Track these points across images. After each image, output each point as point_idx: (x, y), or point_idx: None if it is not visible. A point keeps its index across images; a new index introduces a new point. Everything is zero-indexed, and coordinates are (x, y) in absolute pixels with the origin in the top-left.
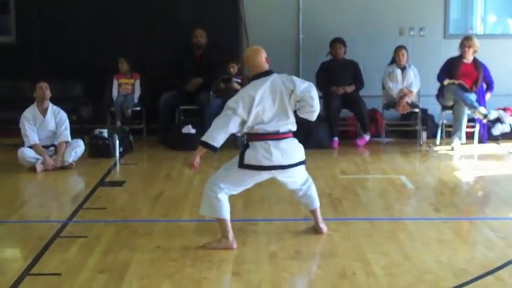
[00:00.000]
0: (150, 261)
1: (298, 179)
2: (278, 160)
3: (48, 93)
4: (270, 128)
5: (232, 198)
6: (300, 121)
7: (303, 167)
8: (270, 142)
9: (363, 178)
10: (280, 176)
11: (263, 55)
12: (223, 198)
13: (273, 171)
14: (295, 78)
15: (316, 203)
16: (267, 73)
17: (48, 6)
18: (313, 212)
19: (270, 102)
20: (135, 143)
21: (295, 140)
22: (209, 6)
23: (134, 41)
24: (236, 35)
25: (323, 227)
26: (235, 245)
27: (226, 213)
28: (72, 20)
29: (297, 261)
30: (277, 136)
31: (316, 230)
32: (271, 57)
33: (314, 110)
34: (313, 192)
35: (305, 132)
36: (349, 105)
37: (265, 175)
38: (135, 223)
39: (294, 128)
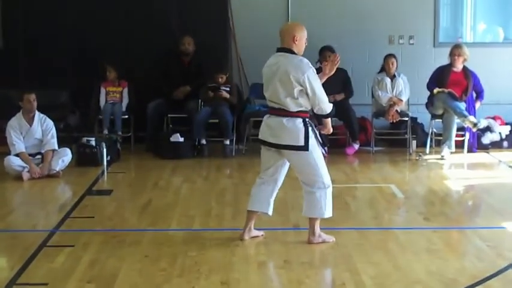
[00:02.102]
0: (138, 270)
1: (297, 167)
2: (266, 136)
3: (35, 105)
4: (269, 103)
5: (221, 208)
6: None
7: (300, 154)
8: (265, 117)
9: (352, 187)
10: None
11: (292, 33)
12: (255, 189)
13: (277, 150)
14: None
15: (308, 212)
16: (280, 50)
17: (35, 14)
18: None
19: (270, 77)
20: (123, 152)
21: (292, 121)
22: (198, 14)
23: (122, 49)
24: (224, 42)
25: (311, 238)
26: (246, 236)
27: (249, 205)
28: (60, 28)
29: (286, 270)
30: (271, 112)
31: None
32: (261, 65)
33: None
34: (315, 200)
35: None
36: (339, 114)
37: (274, 153)
38: (123, 232)
39: (294, 108)
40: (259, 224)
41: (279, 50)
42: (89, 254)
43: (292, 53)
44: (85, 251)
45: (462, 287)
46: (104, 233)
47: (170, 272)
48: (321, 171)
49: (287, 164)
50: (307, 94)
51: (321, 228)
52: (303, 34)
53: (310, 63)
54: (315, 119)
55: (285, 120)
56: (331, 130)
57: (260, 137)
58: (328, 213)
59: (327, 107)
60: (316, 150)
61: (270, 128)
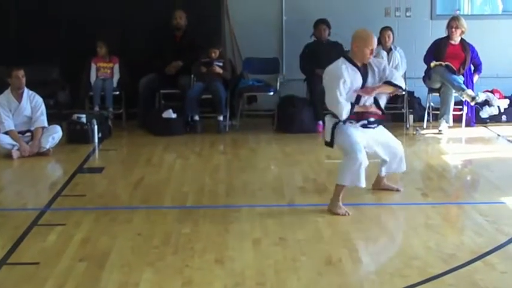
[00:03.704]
0: (131, 248)
1: None
2: None
3: (24, 81)
4: None
5: (215, 184)
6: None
7: (334, 144)
8: None
9: None
10: None
11: (353, 41)
12: None
13: None
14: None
15: (337, 179)
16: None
17: None
18: None
19: None
20: (114, 128)
21: (327, 118)
22: None
23: (113, 24)
24: (217, 16)
25: (329, 206)
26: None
27: None
28: (50, 3)
29: (281, 248)
30: None
31: None
32: (254, 40)
33: None
34: (340, 167)
35: (289, 117)
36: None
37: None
38: (115, 210)
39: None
40: (254, 200)
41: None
42: (80, 233)
43: (347, 57)
44: (77, 230)
45: (461, 263)
46: (95, 211)
47: (163, 250)
48: (349, 147)
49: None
50: None
51: (318, 205)
52: (363, 44)
53: (340, 68)
54: None
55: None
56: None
57: None
58: (349, 181)
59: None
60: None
61: None
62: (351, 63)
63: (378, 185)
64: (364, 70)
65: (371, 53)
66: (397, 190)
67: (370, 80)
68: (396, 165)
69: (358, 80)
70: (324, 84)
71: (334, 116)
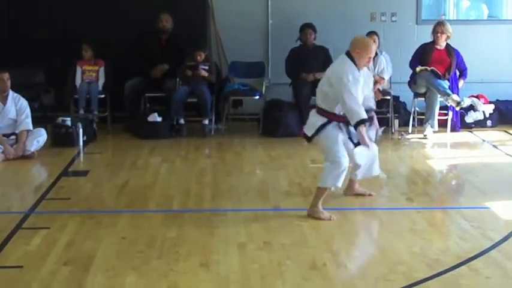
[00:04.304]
0: (116, 252)
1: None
2: None
3: (9, 84)
4: None
5: (200, 188)
6: (268, 109)
7: (314, 140)
8: None
9: None
10: None
11: (353, 46)
12: None
13: None
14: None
15: (319, 183)
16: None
17: None
18: None
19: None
20: (99, 132)
21: (313, 114)
22: None
23: (99, 28)
24: (203, 19)
25: (309, 210)
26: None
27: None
28: (35, 5)
29: (266, 252)
30: None
31: None
32: (239, 43)
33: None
34: (324, 172)
35: (275, 121)
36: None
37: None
38: (100, 214)
39: (319, 104)
40: (239, 204)
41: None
42: (65, 236)
43: (351, 58)
44: (61, 233)
45: (446, 268)
46: (80, 214)
47: (148, 254)
48: (334, 152)
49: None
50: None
51: (303, 209)
52: (364, 51)
53: (349, 71)
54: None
55: (314, 113)
56: (367, 143)
57: None
58: (330, 183)
59: (354, 115)
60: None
61: None
62: (355, 65)
63: (350, 191)
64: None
65: (369, 61)
66: (370, 195)
67: (363, 85)
68: (372, 168)
69: (360, 83)
70: (334, 84)
71: (323, 114)
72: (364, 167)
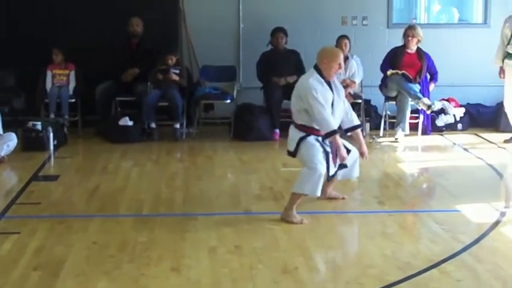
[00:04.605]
0: (86, 257)
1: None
2: None
3: None
4: None
5: (171, 192)
6: (239, 113)
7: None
8: None
9: None
10: None
11: (321, 57)
12: None
13: None
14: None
15: (295, 188)
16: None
17: None
18: None
19: None
20: (70, 136)
21: (292, 129)
22: None
23: (70, 31)
24: (174, 23)
25: (283, 213)
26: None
27: None
28: (5, 9)
29: (238, 256)
30: None
31: None
32: (211, 47)
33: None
34: (300, 177)
35: (246, 125)
36: (291, 96)
37: None
38: (70, 218)
39: (296, 120)
40: (210, 208)
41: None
42: (35, 241)
43: (318, 70)
44: (31, 238)
45: (417, 271)
46: (50, 219)
47: (119, 259)
48: (310, 157)
49: None
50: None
51: (274, 213)
52: (331, 59)
53: (316, 82)
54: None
55: (292, 129)
56: (344, 155)
57: None
58: (308, 191)
59: (325, 125)
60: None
61: None
62: (322, 77)
63: (323, 194)
64: (329, 85)
65: (339, 67)
66: (343, 198)
67: (335, 97)
68: (352, 170)
69: (330, 95)
70: (303, 98)
71: (301, 129)
72: (349, 169)
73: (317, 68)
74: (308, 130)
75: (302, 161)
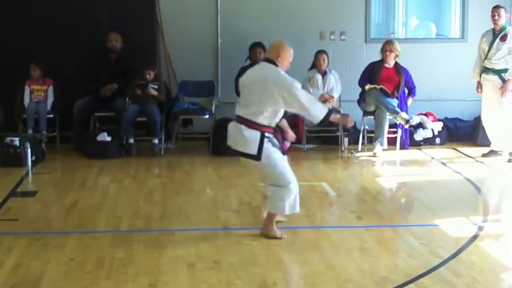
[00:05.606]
0: (64, 274)
1: (258, 173)
2: (228, 141)
3: None
4: (239, 111)
5: (149, 208)
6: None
7: (256, 162)
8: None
9: None
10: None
11: (277, 52)
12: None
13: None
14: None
15: (269, 208)
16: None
17: None
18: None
19: (248, 86)
20: (48, 152)
21: (248, 130)
22: (125, 9)
23: (48, 47)
24: (152, 38)
25: (263, 230)
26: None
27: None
28: None
29: (216, 271)
30: (236, 119)
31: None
32: (189, 62)
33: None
34: (274, 196)
35: (225, 140)
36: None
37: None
38: (48, 235)
39: (255, 119)
40: (188, 224)
41: (266, 60)
42: (12, 258)
43: (273, 63)
44: (8, 255)
45: (394, 285)
46: (28, 235)
47: (97, 275)
48: (280, 171)
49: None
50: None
51: (252, 228)
52: (288, 56)
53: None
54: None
55: (248, 130)
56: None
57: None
58: (289, 209)
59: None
60: (273, 156)
61: (230, 134)
62: None
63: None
64: None
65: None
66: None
67: None
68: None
69: None
70: (282, 92)
71: (257, 128)
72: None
73: (271, 62)
74: (261, 128)
75: (270, 175)
